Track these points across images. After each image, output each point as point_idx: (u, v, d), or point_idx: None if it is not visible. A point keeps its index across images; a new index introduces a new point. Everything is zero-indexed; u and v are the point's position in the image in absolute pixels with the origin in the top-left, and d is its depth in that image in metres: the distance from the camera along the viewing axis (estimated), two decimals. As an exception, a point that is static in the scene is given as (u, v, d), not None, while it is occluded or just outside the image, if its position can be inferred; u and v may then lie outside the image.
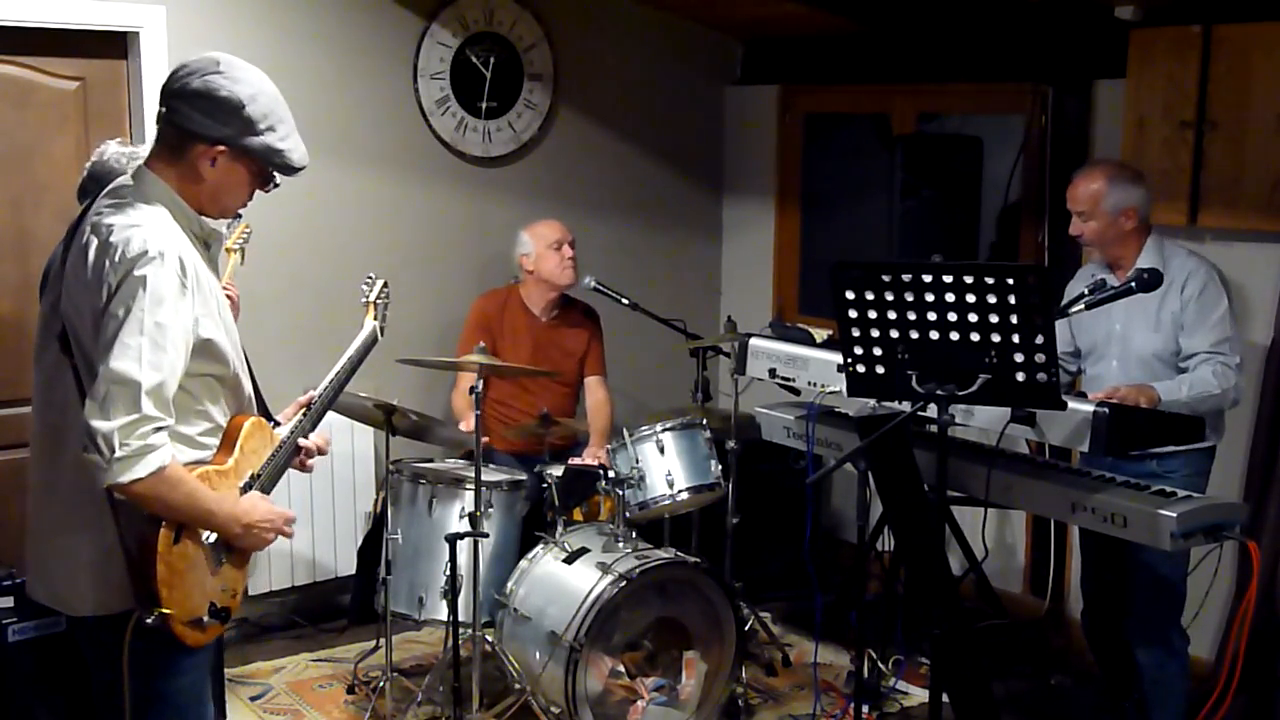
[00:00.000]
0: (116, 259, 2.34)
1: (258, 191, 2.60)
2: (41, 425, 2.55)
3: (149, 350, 2.31)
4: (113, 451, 2.26)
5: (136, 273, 2.33)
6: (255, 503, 2.57)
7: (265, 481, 2.64)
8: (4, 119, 4.43)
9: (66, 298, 2.45)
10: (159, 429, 2.31)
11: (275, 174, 2.56)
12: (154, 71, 4.56)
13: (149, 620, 2.39)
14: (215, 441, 2.55)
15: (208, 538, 2.50)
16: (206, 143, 2.45)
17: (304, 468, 2.82)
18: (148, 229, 2.38)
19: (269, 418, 2.74)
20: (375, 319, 3.17)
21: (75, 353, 2.43)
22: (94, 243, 2.39)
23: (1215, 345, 3.63)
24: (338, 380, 2.93)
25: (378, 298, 3.21)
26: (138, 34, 4.55)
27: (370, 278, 3.25)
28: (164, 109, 2.48)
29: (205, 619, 2.49)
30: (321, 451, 2.83)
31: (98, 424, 2.27)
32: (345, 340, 3.03)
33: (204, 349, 2.45)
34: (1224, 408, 3.66)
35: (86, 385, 2.37)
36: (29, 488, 2.59)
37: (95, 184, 3.48)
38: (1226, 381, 3.59)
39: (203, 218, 2.55)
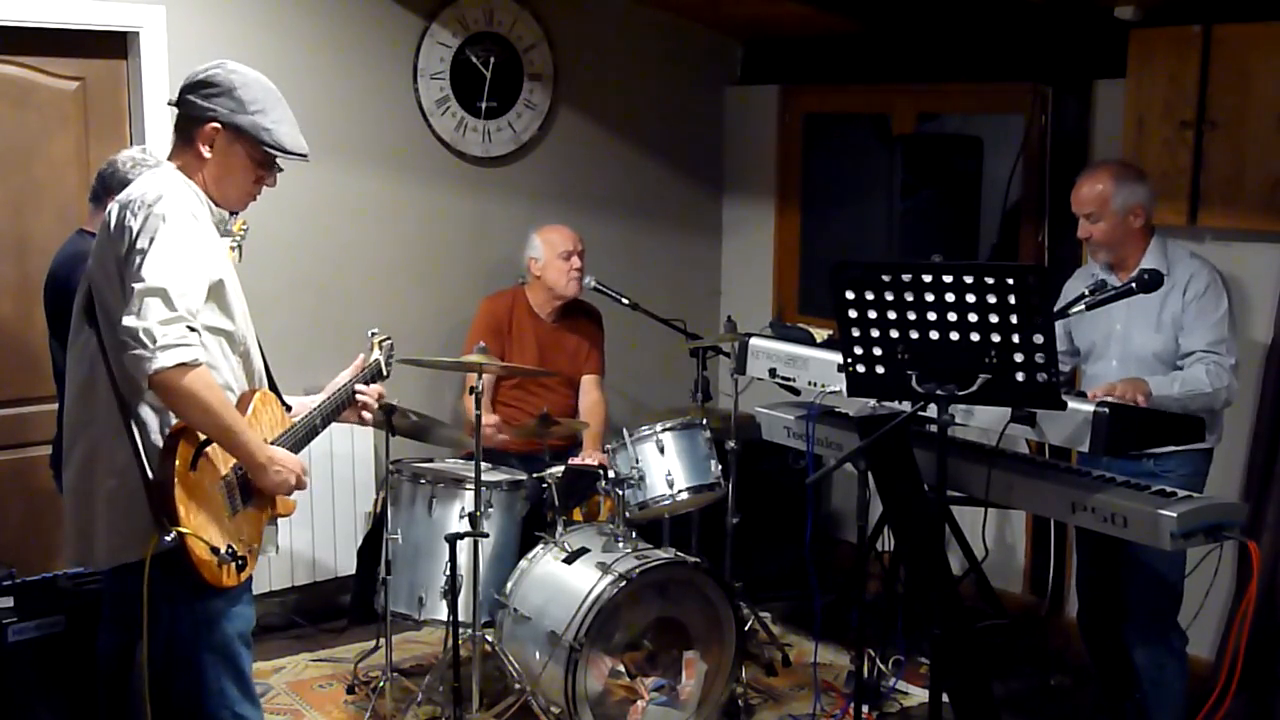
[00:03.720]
0: (136, 208, 2.55)
1: (265, 189, 2.78)
2: (73, 386, 2.70)
3: (175, 265, 2.48)
4: (154, 342, 2.41)
5: (156, 210, 2.53)
6: (275, 447, 2.73)
7: None
8: (4, 119, 4.43)
9: (94, 263, 2.64)
10: (192, 329, 2.46)
11: (273, 158, 2.71)
12: (154, 71, 4.56)
13: (167, 538, 2.47)
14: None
15: (222, 480, 2.61)
16: (204, 122, 2.66)
17: (362, 420, 3.22)
18: (162, 187, 2.60)
19: (280, 400, 2.86)
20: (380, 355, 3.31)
21: (99, 313, 2.59)
22: (115, 208, 2.61)
23: (1211, 345, 3.62)
24: (342, 394, 3.14)
25: (379, 343, 3.34)
26: (138, 34, 4.55)
27: (374, 333, 3.37)
28: (176, 105, 2.73)
29: (223, 551, 2.56)
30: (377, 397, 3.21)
31: (135, 323, 2.42)
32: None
33: (216, 292, 2.61)
34: (1215, 408, 3.64)
35: (108, 338, 2.54)
36: (64, 460, 2.74)
37: (106, 190, 3.53)
38: (1219, 381, 3.58)
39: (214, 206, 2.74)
